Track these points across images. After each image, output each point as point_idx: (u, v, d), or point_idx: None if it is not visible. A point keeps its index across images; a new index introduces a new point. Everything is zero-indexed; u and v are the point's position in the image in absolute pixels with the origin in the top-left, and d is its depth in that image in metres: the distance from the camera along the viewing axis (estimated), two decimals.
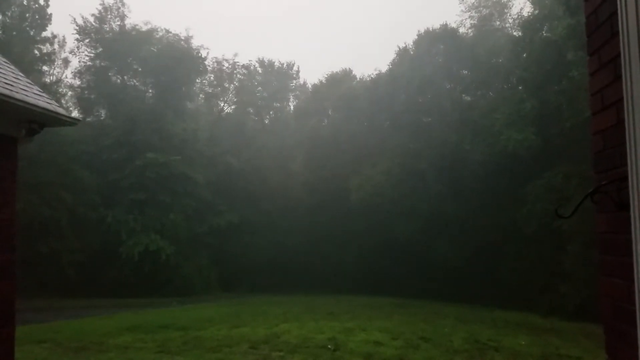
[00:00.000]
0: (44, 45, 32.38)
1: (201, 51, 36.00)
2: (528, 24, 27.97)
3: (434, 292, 26.02)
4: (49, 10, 31.33)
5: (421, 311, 19.07)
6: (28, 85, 5.80)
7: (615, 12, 1.90)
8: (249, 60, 42.96)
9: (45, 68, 33.54)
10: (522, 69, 27.26)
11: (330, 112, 39.33)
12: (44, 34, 31.98)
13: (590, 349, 11.70)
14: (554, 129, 23.66)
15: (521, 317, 18.69)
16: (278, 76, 43.36)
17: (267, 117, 44.13)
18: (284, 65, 43.37)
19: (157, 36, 35.35)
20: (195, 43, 36.16)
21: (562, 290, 20.98)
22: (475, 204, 27.57)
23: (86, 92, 33.66)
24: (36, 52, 31.15)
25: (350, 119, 34.75)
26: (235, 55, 41.52)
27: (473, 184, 27.90)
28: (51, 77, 34.89)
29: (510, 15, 33.41)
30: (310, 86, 43.55)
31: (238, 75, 42.46)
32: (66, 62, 35.25)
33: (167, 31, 35.42)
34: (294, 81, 44.82)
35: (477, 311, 20.21)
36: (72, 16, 33.68)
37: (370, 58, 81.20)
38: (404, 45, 34.41)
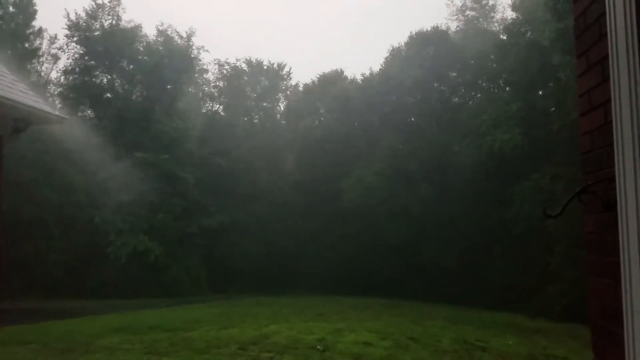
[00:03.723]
0: (30, 42, 31.94)
1: (199, 51, 35.92)
2: (511, 28, 28.34)
3: (423, 293, 26.10)
4: (35, 7, 31.07)
5: (410, 312, 19.13)
6: (14, 82, 5.72)
7: (604, 14, 1.92)
8: (237, 60, 42.74)
9: (33, 66, 33.14)
10: (508, 72, 27.58)
11: (322, 112, 39.35)
12: (30, 30, 31.57)
13: (577, 349, 11.82)
14: (541, 131, 23.91)
15: (509, 317, 18.82)
16: (267, 76, 43.25)
17: (257, 117, 44.00)
18: (274, 65, 43.28)
19: (150, 34, 35.20)
20: (195, 42, 36.11)
21: (549, 291, 21.17)
22: (464, 205, 27.74)
23: (74, 90, 33.28)
24: (22, 47, 30.69)
25: (342, 120, 34.81)
26: (237, 60, 41.23)
27: (462, 185, 28.09)
28: (40, 74, 34.49)
29: (494, 20, 33.89)
30: (302, 86, 43.50)
31: (227, 74, 42.28)
32: (56, 58, 34.83)
33: (162, 29, 35.27)
34: (285, 82, 44.75)
35: (466, 312, 20.31)
36: (66, 10, 33.12)
37: (363, 58, 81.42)
38: (395, 46, 34.60)
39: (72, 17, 32.46)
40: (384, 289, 27.79)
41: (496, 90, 30.64)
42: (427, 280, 27.68)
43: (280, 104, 45.28)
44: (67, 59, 33.83)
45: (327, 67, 69.15)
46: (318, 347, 10.68)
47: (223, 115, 41.52)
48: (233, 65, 42.01)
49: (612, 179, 1.92)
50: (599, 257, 2.16)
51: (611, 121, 1.89)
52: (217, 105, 43.14)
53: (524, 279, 23.40)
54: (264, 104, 43.78)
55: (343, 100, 35.12)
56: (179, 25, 41.17)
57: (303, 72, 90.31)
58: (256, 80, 43.00)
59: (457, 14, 34.33)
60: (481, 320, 17.43)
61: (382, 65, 35.15)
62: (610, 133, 1.91)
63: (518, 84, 26.68)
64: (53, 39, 34.35)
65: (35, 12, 31.40)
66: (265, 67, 43.02)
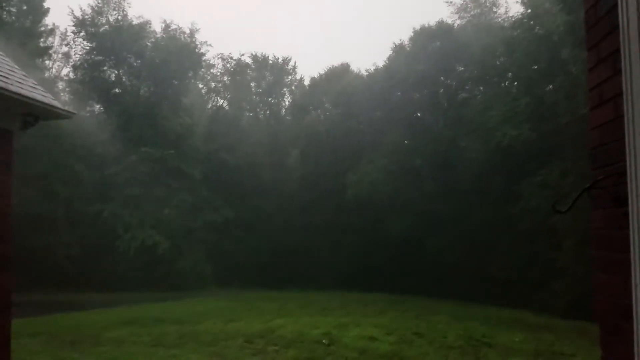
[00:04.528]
0: (41, 39, 32.21)
1: (203, 47, 35.95)
2: (519, 23, 28.12)
3: (427, 289, 26.07)
4: (45, 5, 31.33)
5: (415, 307, 19.12)
6: (23, 77, 5.75)
7: (615, 6, 1.90)
8: (240, 55, 42.80)
9: (44, 62, 33.40)
10: (516, 67, 27.38)
11: (327, 107, 39.26)
12: (42, 27, 31.87)
13: (584, 346, 11.75)
14: (549, 126, 23.73)
15: (514, 314, 18.77)
16: (273, 71, 43.18)
17: (262, 112, 43.99)
18: (279, 60, 43.23)
19: (156, 30, 35.25)
20: (199, 38, 36.21)
21: (556, 288, 21.08)
22: (470, 200, 27.64)
23: (82, 85, 33.44)
24: (33, 44, 30.97)
25: (347, 115, 34.73)
26: (241, 55, 41.40)
27: (467, 181, 27.98)
28: (50, 71, 34.73)
29: (497, 14, 33.65)
30: (308, 79, 43.36)
31: (231, 69, 42.28)
32: (67, 56, 34.99)
33: (169, 24, 35.34)
34: (290, 76, 44.66)
35: (471, 308, 20.28)
36: (70, 7, 33.23)
37: (366, 53, 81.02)
38: (400, 42, 34.38)
39: (78, 12, 32.62)
40: (389, 284, 27.79)
41: (504, 85, 30.43)
42: (432, 275, 27.65)
43: (285, 99, 45.25)
44: (74, 54, 34.09)
45: (329, 62, 68.63)
46: (323, 341, 10.71)
47: (228, 111, 41.56)
48: (237, 59, 41.96)
49: (622, 174, 1.91)
50: (607, 253, 2.15)
51: (622, 115, 1.88)
52: (222, 101, 43.20)
53: (530, 274, 23.32)
54: (269, 99, 43.75)
55: (348, 95, 35.02)
56: (182, 19, 41.45)
57: (305, 68, 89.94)
58: (261, 75, 42.96)
59: (458, 12, 34.17)
60: (487, 316, 17.39)
61: (385, 61, 35.02)
62: (620, 127, 1.90)
63: (526, 78, 26.48)
64: (64, 35, 34.55)
65: (47, 10, 31.67)
66: (270, 62, 42.96)
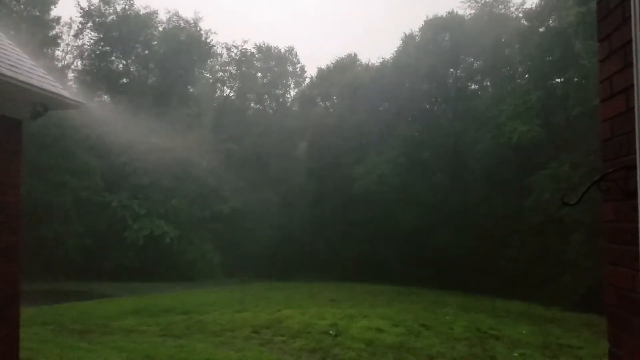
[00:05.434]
0: (50, 29, 32.27)
1: (209, 36, 35.94)
2: (534, 14, 27.75)
3: (435, 281, 26.09)
4: None
5: (422, 299, 19.14)
6: (32, 67, 5.78)
7: None
8: (244, 42, 42.72)
9: (53, 52, 33.52)
10: (528, 59, 27.08)
11: (335, 99, 39.16)
12: (50, 17, 31.93)
13: (592, 339, 11.72)
14: (560, 119, 23.51)
15: (523, 306, 18.71)
16: (278, 62, 43.10)
17: (268, 103, 44.00)
18: (283, 51, 43.14)
19: (163, 20, 35.24)
20: (203, 27, 36.17)
21: (565, 281, 21.00)
22: (479, 193, 27.53)
23: (90, 75, 33.59)
24: (42, 34, 31.04)
25: (355, 107, 34.64)
26: (245, 42, 41.62)
27: (477, 174, 27.85)
28: (62, 62, 34.85)
29: (511, 4, 33.17)
30: (316, 70, 43.35)
31: (237, 58, 42.25)
32: (81, 50, 34.97)
33: (174, 14, 35.33)
34: (295, 66, 44.52)
35: (479, 300, 20.25)
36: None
37: (377, 42, 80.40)
38: (409, 32, 34.09)
39: (85, 3, 32.69)
40: (397, 276, 27.84)
41: (515, 77, 30.14)
42: (440, 267, 27.65)
43: (290, 90, 45.22)
44: (82, 45, 34.17)
45: (337, 53, 68.12)
46: (330, 332, 10.75)
47: (234, 101, 41.63)
48: (242, 49, 41.87)
49: (632, 167, 1.89)
50: (617, 246, 2.14)
51: (633, 107, 1.85)
52: (228, 90, 43.26)
53: (539, 268, 23.22)
54: (276, 91, 43.73)
55: (356, 87, 34.90)
56: (185, 7, 41.50)
57: (313, 59, 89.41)
58: (267, 66, 42.95)
59: (469, 2, 33.72)
60: (494, 308, 17.37)
61: (394, 53, 34.78)
62: (631, 120, 1.88)
63: (538, 71, 26.20)
64: (80, 30, 34.54)
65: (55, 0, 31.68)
66: (275, 52, 42.88)
